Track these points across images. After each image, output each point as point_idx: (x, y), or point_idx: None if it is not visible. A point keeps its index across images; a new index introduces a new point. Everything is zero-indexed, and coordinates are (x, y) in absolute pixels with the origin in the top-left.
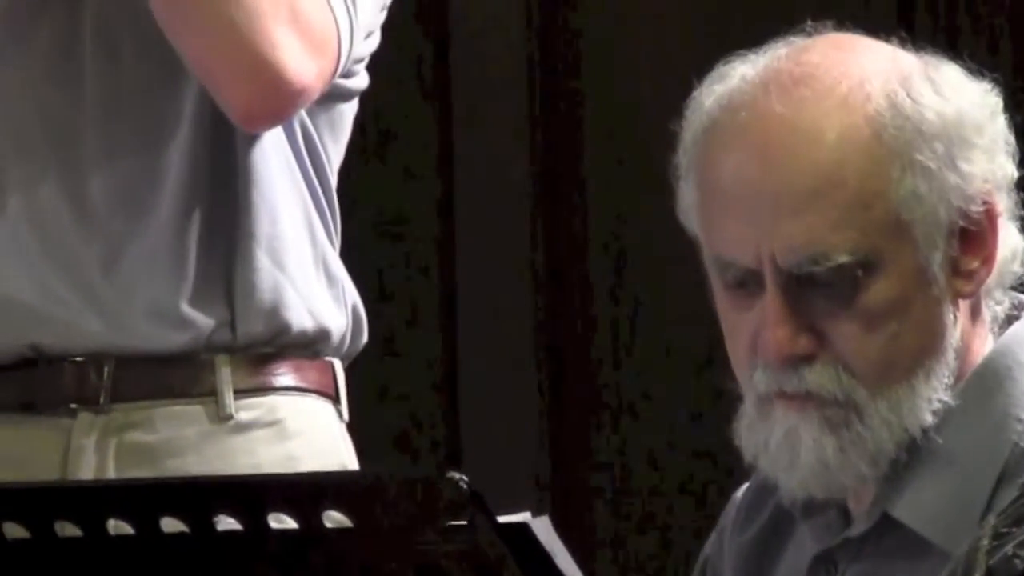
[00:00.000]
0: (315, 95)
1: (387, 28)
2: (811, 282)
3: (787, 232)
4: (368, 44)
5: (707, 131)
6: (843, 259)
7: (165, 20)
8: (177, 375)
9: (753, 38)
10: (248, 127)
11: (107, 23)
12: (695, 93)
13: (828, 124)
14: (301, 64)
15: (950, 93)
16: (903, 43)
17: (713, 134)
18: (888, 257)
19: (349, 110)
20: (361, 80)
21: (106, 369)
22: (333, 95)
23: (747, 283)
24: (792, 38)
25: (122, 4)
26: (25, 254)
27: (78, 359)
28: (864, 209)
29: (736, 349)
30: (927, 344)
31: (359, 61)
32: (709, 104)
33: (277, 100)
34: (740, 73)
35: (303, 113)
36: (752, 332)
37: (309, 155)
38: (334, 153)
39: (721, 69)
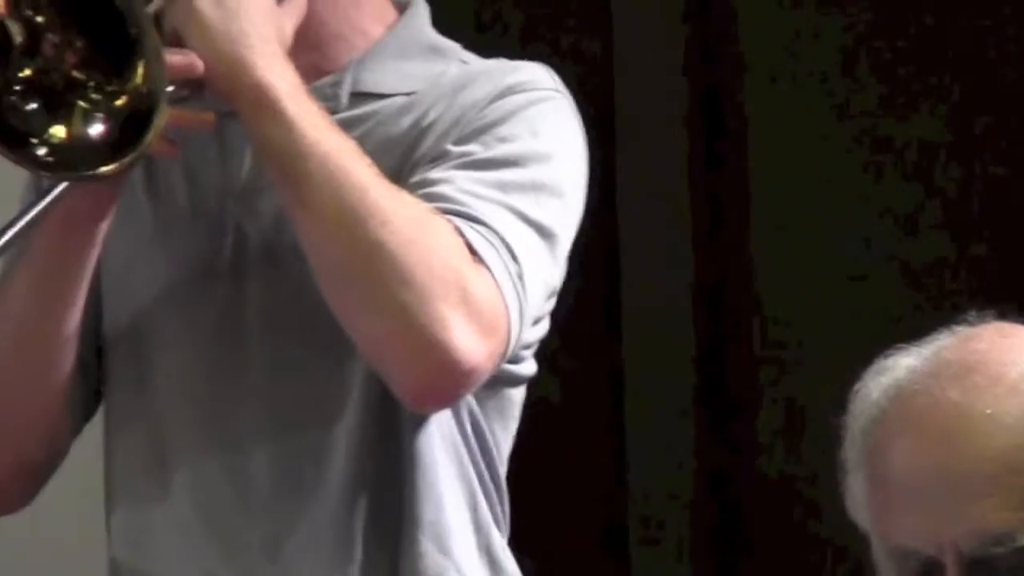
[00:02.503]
0: (484, 377)
1: None
2: (993, 566)
3: (969, 517)
4: (536, 331)
5: (876, 422)
6: None
7: (334, 301)
8: None
9: None
10: (418, 408)
11: (272, 303)
12: (857, 387)
13: (1004, 409)
14: (471, 345)
15: None
16: None
17: (884, 425)
18: None
19: (518, 396)
20: (529, 367)
21: None
22: (501, 380)
23: (929, 573)
24: (956, 327)
25: (287, 285)
26: (189, 535)
27: None
28: None
29: None
30: None
31: (527, 347)
32: (876, 396)
33: (447, 381)
34: (905, 365)
35: (471, 398)
36: None
37: (477, 440)
38: (502, 439)
39: (882, 362)
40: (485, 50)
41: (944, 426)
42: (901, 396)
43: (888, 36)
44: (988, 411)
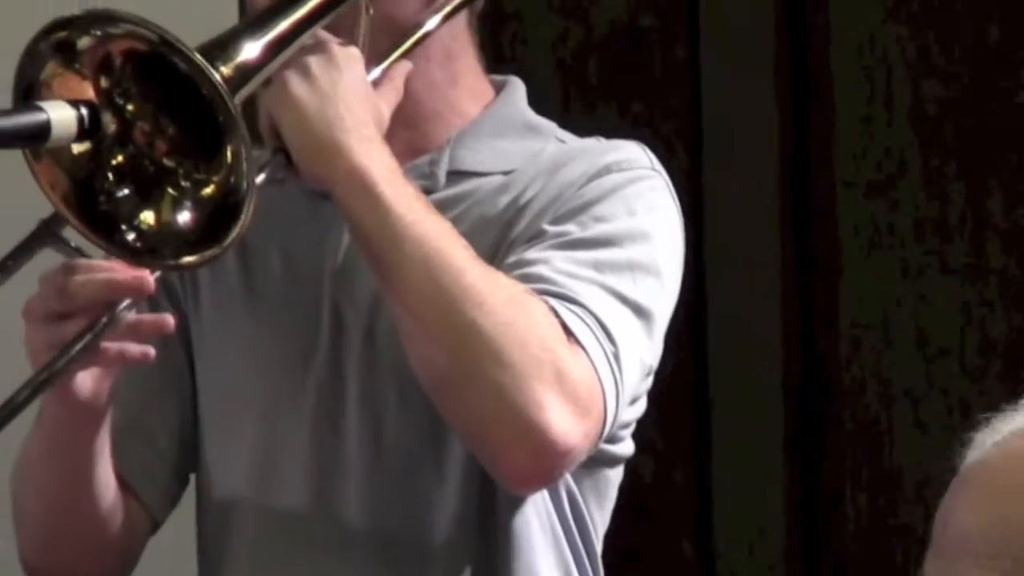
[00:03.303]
0: (581, 457)
1: None
2: None
3: None
4: (634, 410)
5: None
6: None
7: (430, 383)
8: None
9: None
10: (515, 488)
11: (369, 386)
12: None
13: None
14: (567, 426)
15: None
16: None
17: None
18: None
19: (615, 476)
20: (626, 447)
21: None
22: (598, 460)
23: None
24: None
25: (385, 367)
26: None
27: None
28: None
29: None
30: None
31: (625, 427)
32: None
33: (544, 461)
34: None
35: (568, 478)
36: None
37: (574, 520)
38: (599, 519)
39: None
40: (577, 128)
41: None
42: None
43: None
44: None
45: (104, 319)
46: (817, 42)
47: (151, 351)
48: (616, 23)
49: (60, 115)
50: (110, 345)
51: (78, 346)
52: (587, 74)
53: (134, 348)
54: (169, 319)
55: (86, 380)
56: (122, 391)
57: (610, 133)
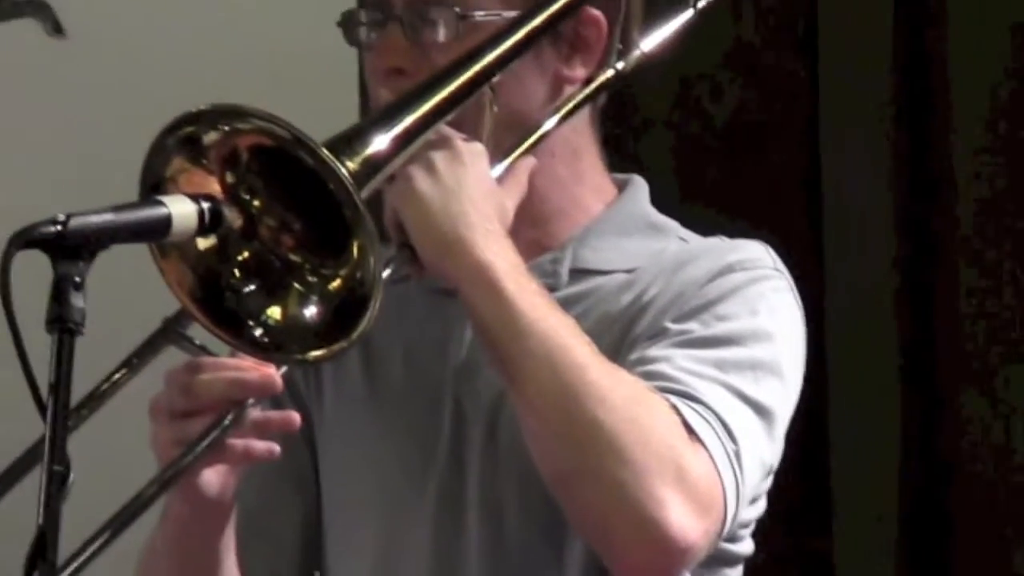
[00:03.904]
0: (700, 555)
1: None
2: None
3: None
4: (754, 509)
5: None
6: None
7: (551, 478)
8: None
9: None
10: None
11: (491, 481)
12: None
13: None
14: (687, 524)
15: None
16: None
17: None
18: None
19: (734, 575)
20: (746, 546)
21: None
22: (717, 559)
23: None
24: None
25: (507, 463)
26: None
27: None
28: None
29: None
30: None
31: (744, 526)
32: None
33: (663, 559)
34: None
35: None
36: None
37: None
38: None
39: None
40: (697, 227)
41: None
42: None
43: None
44: None
45: (230, 417)
46: (937, 139)
47: (277, 448)
48: (736, 121)
49: (180, 209)
50: (236, 442)
51: (204, 443)
52: (707, 172)
53: (260, 445)
54: (296, 417)
55: (211, 477)
56: (246, 490)
57: (731, 232)
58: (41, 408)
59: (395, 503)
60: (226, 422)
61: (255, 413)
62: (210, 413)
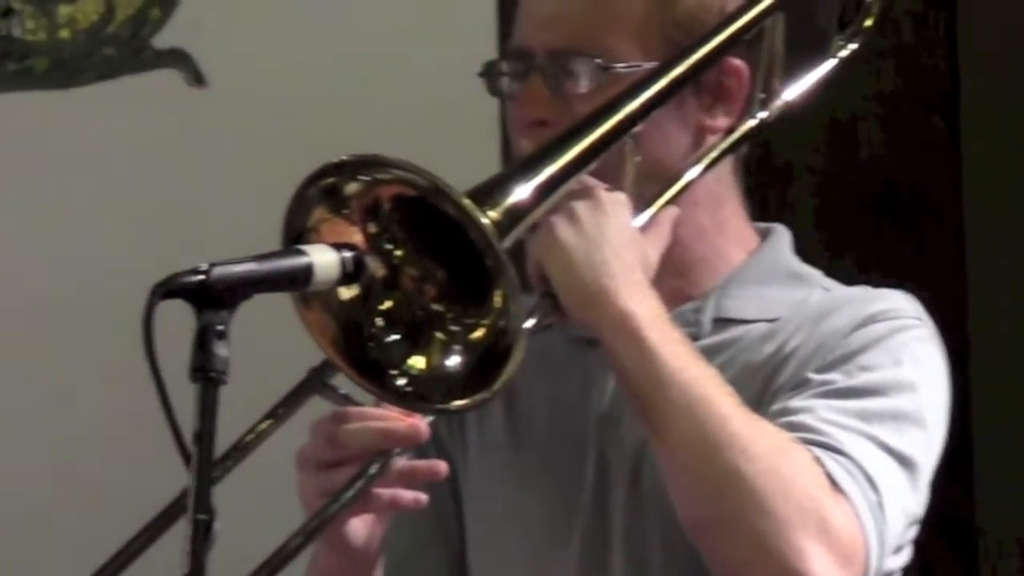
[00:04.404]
0: None
1: None
2: None
3: None
4: (898, 559)
5: None
6: None
7: (693, 528)
8: None
9: None
10: None
11: (637, 531)
12: None
13: None
14: (829, 574)
15: None
16: None
17: None
18: None
19: None
20: None
21: None
22: None
23: None
24: None
25: (651, 513)
26: None
27: None
28: None
29: None
30: None
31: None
32: None
33: None
34: None
35: None
36: None
37: None
38: None
39: None
40: (839, 275)
41: None
42: None
43: None
44: None
45: (376, 466)
46: None
47: (424, 497)
48: (878, 175)
49: (322, 259)
50: (383, 492)
51: (350, 493)
52: (850, 221)
53: (407, 494)
54: (442, 465)
55: (358, 527)
56: (392, 540)
57: (874, 282)
58: (186, 457)
59: (540, 552)
60: (372, 471)
61: (401, 462)
62: (356, 463)
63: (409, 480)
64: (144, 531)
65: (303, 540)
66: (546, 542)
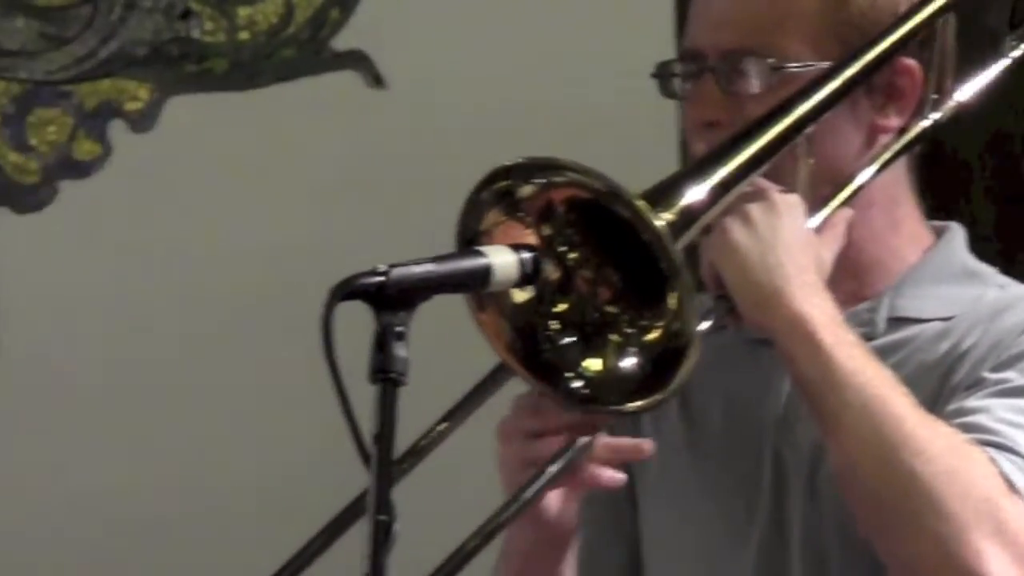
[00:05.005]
0: None
1: None
2: None
3: None
4: None
5: None
6: None
7: (869, 529)
8: None
9: None
10: None
11: (813, 533)
12: None
13: None
14: (1006, 575)
15: None
16: None
17: None
18: None
19: None
20: None
21: None
22: None
23: None
24: None
25: (828, 514)
26: None
27: None
28: None
29: None
30: None
31: None
32: None
33: None
34: None
35: None
36: None
37: None
38: None
39: None
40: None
41: None
42: None
43: None
44: None
45: (586, 439)
46: None
47: (622, 476)
48: None
49: (501, 260)
50: (585, 466)
51: (557, 465)
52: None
53: (606, 472)
54: (648, 443)
55: (552, 501)
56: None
57: None
58: (365, 458)
59: (718, 552)
60: (581, 443)
61: (604, 438)
62: (558, 436)
63: (611, 457)
64: (321, 533)
65: (480, 541)
66: (724, 542)
